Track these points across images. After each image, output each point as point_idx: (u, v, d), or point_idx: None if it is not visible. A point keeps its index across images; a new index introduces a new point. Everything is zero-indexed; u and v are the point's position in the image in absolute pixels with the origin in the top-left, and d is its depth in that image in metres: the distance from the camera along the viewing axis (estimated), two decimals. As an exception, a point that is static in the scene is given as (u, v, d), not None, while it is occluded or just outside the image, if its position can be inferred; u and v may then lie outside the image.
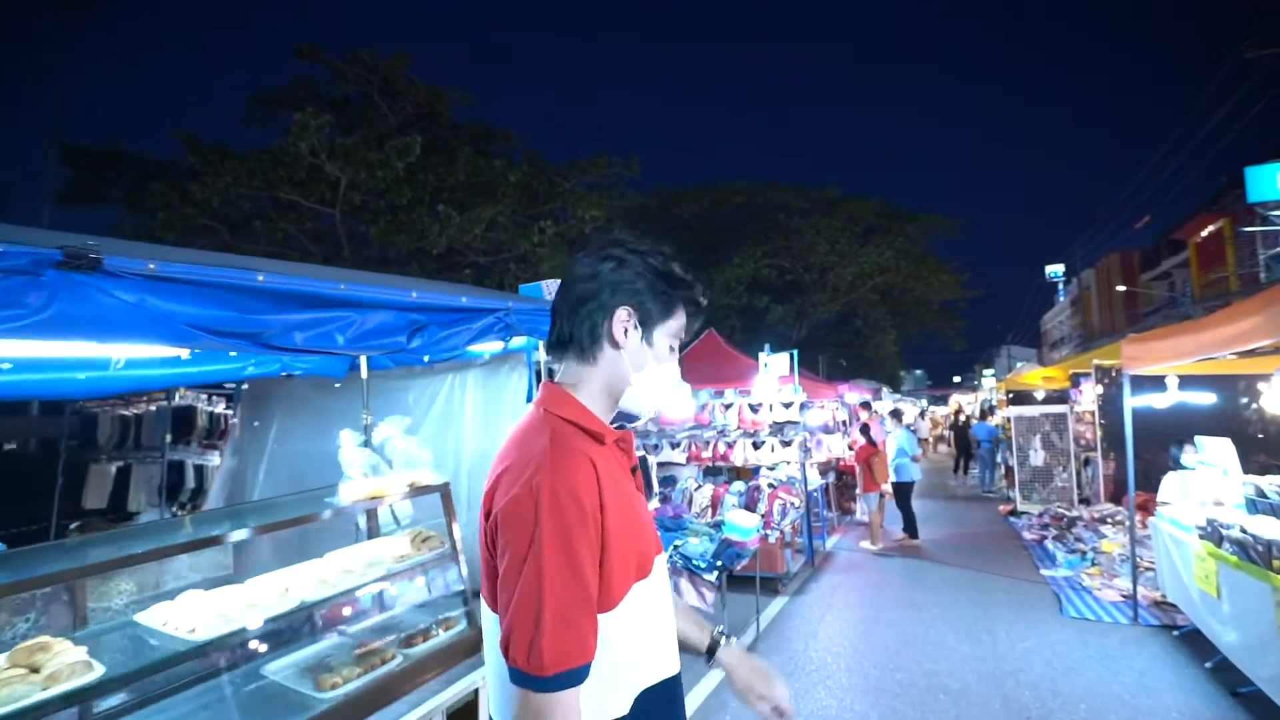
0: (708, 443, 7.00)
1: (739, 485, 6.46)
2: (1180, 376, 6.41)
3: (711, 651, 1.29)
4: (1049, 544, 7.59)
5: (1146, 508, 9.02)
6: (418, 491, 2.55)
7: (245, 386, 4.54)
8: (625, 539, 1.00)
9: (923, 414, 29.41)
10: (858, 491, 8.42)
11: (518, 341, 3.06)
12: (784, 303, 23.30)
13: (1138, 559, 6.23)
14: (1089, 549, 6.96)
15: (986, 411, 14.63)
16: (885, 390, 18.47)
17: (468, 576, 2.61)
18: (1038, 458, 9.85)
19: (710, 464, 7.01)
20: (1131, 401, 5.25)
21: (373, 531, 2.86)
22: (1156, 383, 7.52)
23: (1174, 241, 28.99)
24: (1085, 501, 9.72)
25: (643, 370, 1.09)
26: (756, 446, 6.82)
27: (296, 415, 4.19)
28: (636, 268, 1.08)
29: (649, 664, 1.05)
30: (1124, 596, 5.79)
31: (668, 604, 1.12)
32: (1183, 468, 5.25)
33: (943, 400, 35.02)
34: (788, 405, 6.70)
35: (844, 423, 10.74)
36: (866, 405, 10.67)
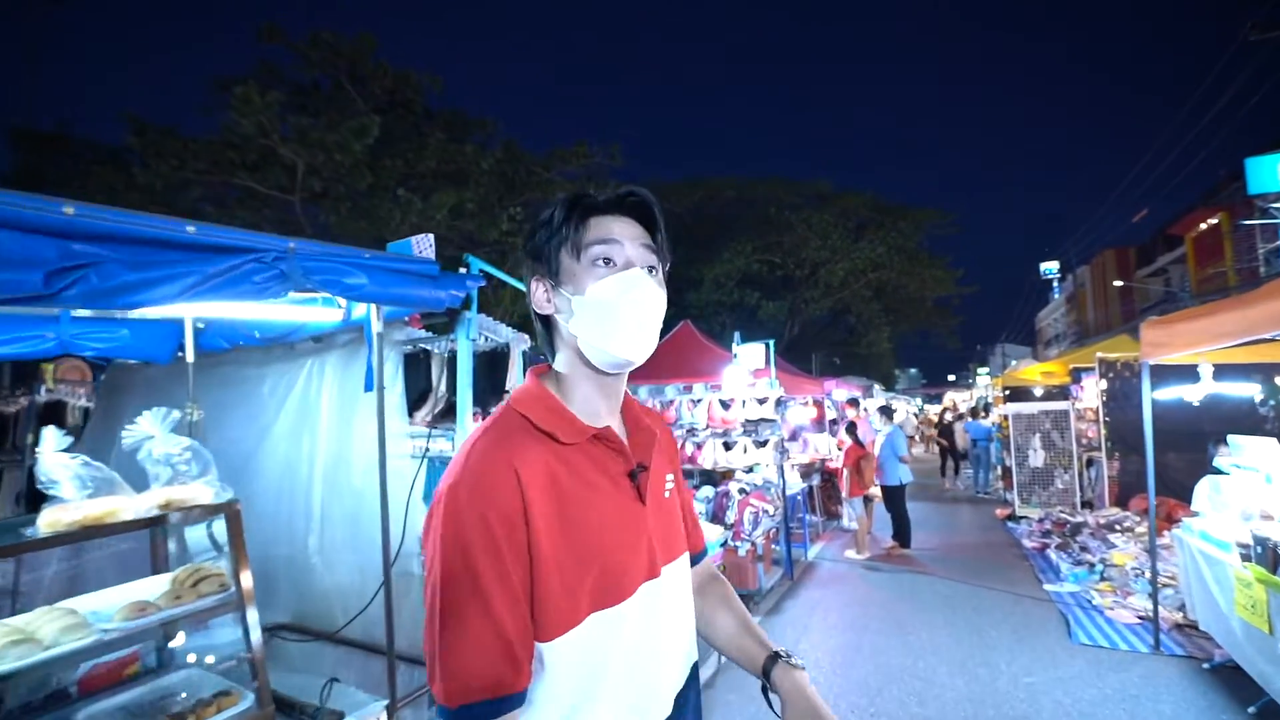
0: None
1: (706, 491, 5.69)
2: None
3: (767, 671, 1.03)
4: (1052, 554, 6.81)
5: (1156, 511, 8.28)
6: (183, 515, 1.77)
7: (104, 376, 3.77)
8: (570, 555, 0.84)
9: (913, 413, 28.68)
10: (845, 496, 7.64)
11: (360, 311, 2.29)
12: (775, 299, 22.65)
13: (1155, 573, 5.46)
14: (1097, 560, 6.18)
15: (980, 409, 13.85)
16: (877, 387, 17.69)
17: (257, 642, 1.82)
18: (1037, 458, 9.07)
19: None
20: (1152, 395, 4.46)
21: (159, 563, 2.09)
22: (1173, 375, 6.76)
23: (1170, 237, 28.34)
24: (1088, 505, 8.95)
25: (575, 314, 0.90)
26: (728, 447, 6.04)
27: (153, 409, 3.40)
28: (521, 249, 1.00)
29: (618, 713, 0.87)
30: (1140, 618, 5.01)
31: (657, 641, 0.94)
32: (1218, 471, 4.46)
33: (937, 399, 34.28)
34: (762, 401, 5.92)
35: (833, 421, 9.97)
36: (855, 402, 9.91)
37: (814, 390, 8.86)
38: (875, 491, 7.60)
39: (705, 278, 22.13)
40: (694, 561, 1.11)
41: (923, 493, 12.14)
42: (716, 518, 5.48)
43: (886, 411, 8.03)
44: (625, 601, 0.89)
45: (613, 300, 0.88)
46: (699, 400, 6.20)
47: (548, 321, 0.96)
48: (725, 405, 6.09)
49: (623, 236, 0.92)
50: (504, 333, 2.60)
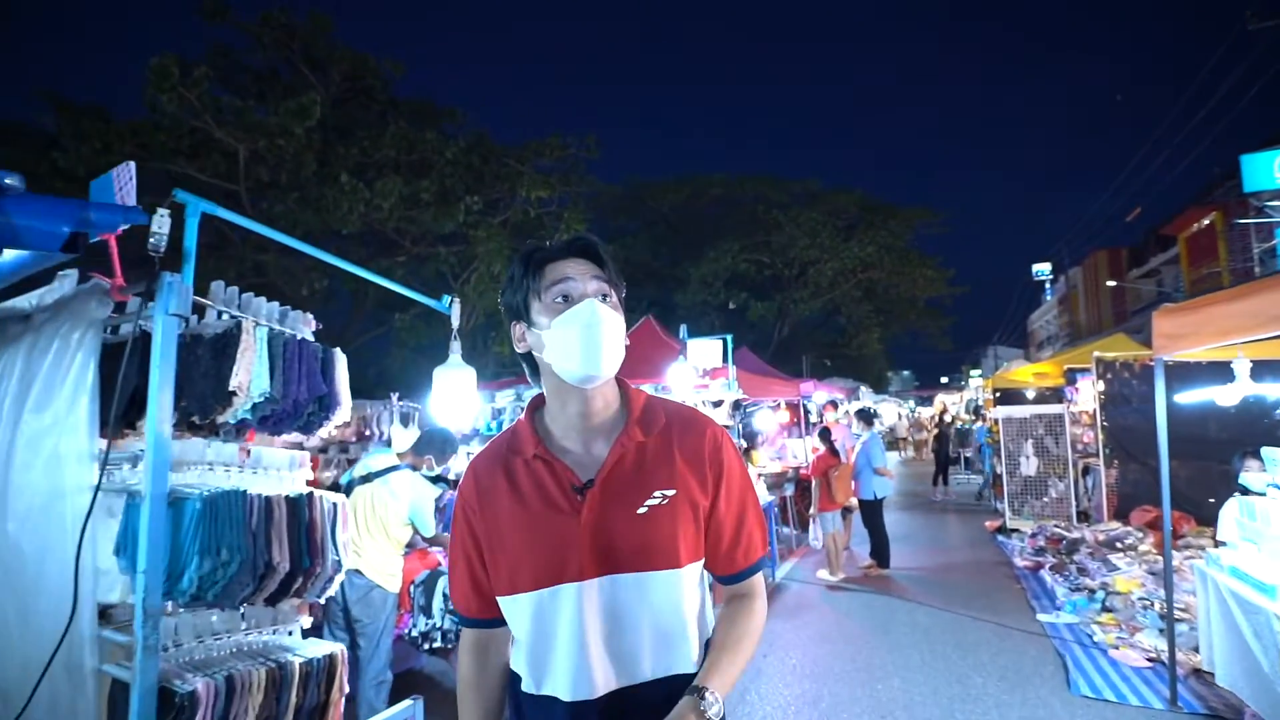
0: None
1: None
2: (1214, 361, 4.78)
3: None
4: (1046, 575, 6.00)
5: (1157, 525, 7.46)
6: None
7: None
8: (491, 543, 1.09)
9: (903, 414, 27.89)
10: (811, 512, 6.81)
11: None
12: (763, 299, 21.93)
13: (1161, 607, 4.63)
14: (1097, 585, 5.36)
15: (971, 412, 13.05)
16: (864, 389, 16.86)
17: None
18: (1029, 466, 8.25)
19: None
20: (1173, 398, 3.64)
21: None
22: (1183, 374, 5.97)
23: (1163, 237, 27.64)
24: (1084, 517, 8.14)
25: (546, 346, 1.06)
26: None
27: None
28: (502, 290, 1.15)
29: (537, 671, 1.06)
30: (1151, 660, 4.20)
31: (584, 636, 1.03)
32: (1245, 490, 3.64)
33: (929, 401, 33.47)
34: (718, 404, 5.10)
35: (815, 426, 9.16)
36: (834, 405, 9.08)
37: (786, 392, 8.04)
38: (854, 502, 6.79)
39: (692, 277, 21.36)
40: (724, 580, 1.15)
41: (910, 501, 11.33)
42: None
43: (865, 416, 7.19)
44: (533, 592, 1.04)
45: (573, 328, 1.03)
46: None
47: (529, 358, 1.13)
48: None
49: (575, 274, 1.06)
50: (262, 310, 1.78)
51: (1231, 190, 20.42)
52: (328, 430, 1.90)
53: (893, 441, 24.30)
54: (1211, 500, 7.69)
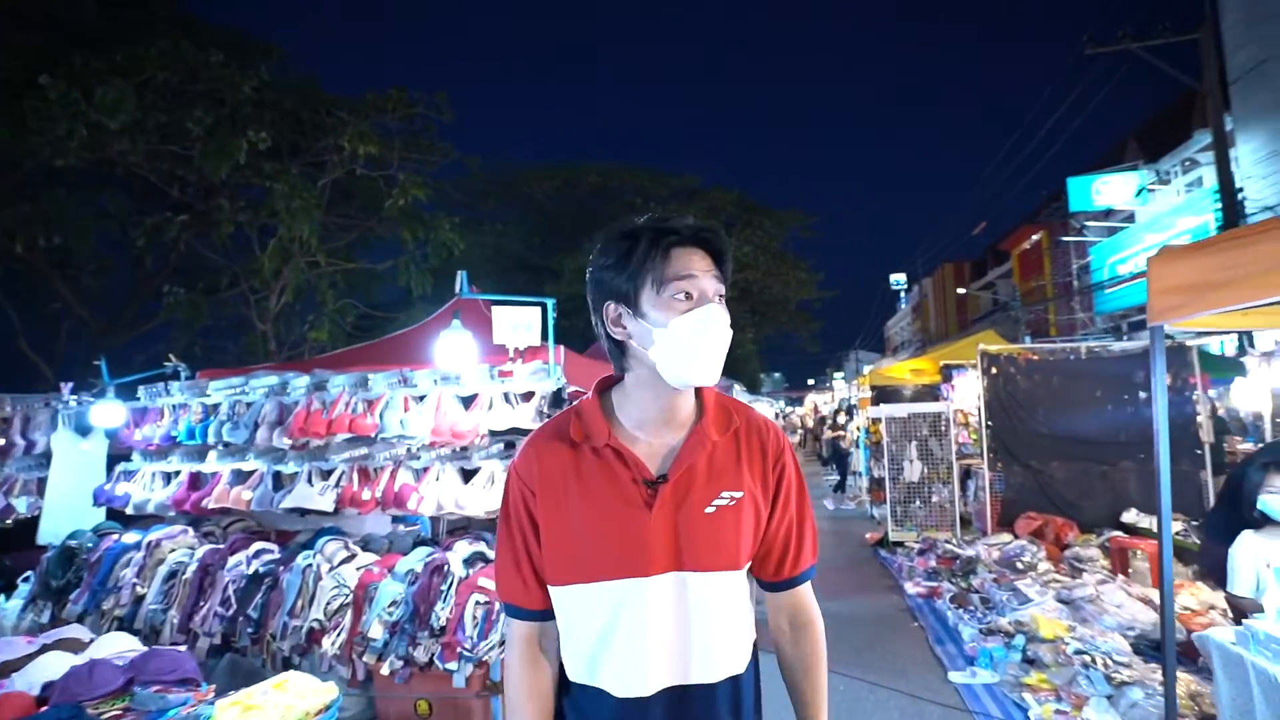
0: (379, 472, 3.47)
1: (412, 562, 2.99)
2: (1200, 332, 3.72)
3: None
4: (946, 610, 4.79)
5: (1043, 534, 6.63)
6: None
7: None
8: (558, 531, 1.02)
9: (780, 415, 27.82)
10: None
11: None
12: (641, 295, 20.71)
13: (1105, 664, 3.47)
14: (1011, 625, 4.18)
15: (845, 411, 12.33)
16: (738, 388, 15.82)
17: None
18: (913, 470, 7.25)
19: (386, 511, 3.46)
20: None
21: None
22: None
23: (999, 252, 29.77)
24: (965, 524, 7.27)
25: (657, 343, 0.99)
26: (468, 477, 3.36)
27: None
28: (598, 261, 1.04)
29: (591, 662, 1.02)
30: (1109, 750, 2.95)
31: (642, 629, 0.99)
32: (1265, 518, 2.42)
33: (799, 402, 33.98)
34: (527, 397, 3.33)
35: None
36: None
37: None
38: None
39: (566, 270, 19.59)
40: (772, 586, 1.12)
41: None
42: (420, 613, 2.80)
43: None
44: (597, 583, 1.00)
45: (693, 333, 0.97)
46: (423, 396, 3.48)
47: (619, 343, 1.04)
48: (467, 403, 3.43)
49: (699, 270, 0.99)
50: None
51: (1056, 211, 21.82)
52: None
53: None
54: (1090, 503, 7.10)
